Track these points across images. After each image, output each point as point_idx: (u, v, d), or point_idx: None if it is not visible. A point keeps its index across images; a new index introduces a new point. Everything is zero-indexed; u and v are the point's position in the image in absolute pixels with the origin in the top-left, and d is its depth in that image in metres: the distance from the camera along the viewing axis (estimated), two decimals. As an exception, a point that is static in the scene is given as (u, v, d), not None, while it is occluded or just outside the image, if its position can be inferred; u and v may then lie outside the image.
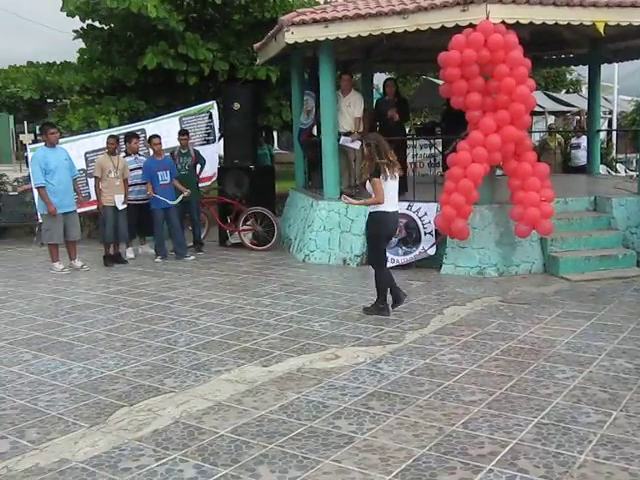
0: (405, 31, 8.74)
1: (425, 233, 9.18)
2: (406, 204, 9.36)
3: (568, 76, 28.18)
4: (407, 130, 14.24)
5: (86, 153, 11.54)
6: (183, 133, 11.03)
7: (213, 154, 12.20)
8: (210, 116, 12.25)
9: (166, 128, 11.70)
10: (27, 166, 12.68)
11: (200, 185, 11.57)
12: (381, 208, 6.87)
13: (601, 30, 8.48)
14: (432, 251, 9.13)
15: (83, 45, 15.26)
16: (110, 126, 12.73)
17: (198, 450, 4.00)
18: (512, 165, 8.46)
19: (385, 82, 11.15)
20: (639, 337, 6.03)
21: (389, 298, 7.03)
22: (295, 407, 4.62)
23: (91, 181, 11.14)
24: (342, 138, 10.08)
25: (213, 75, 13.93)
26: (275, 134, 27.19)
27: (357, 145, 10.12)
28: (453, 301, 7.50)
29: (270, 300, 7.69)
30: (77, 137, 12.06)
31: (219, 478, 3.66)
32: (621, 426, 4.21)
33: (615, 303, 7.26)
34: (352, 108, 10.25)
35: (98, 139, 11.56)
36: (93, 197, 10.80)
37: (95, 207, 10.58)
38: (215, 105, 12.35)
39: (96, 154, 11.30)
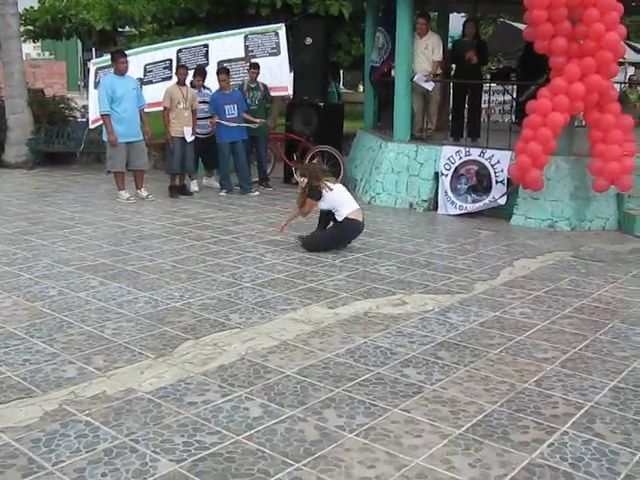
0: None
1: (497, 182, 8.88)
2: (479, 150, 9.09)
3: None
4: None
5: (146, 65, 11.59)
6: (254, 66, 10.81)
7: (281, 67, 11.66)
8: (277, 35, 11.81)
9: (229, 44, 11.56)
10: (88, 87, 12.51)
11: (275, 94, 11.41)
12: (345, 214, 7.06)
13: None
14: (502, 201, 8.86)
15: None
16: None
17: (264, 389, 3.95)
18: (594, 116, 8.08)
19: (465, 22, 10.67)
20: None
21: None
22: (362, 352, 4.53)
23: (146, 87, 11.19)
24: (417, 75, 9.72)
25: (285, 8, 13.64)
26: (341, 73, 26.75)
27: (431, 86, 9.80)
28: (523, 253, 7.28)
29: (335, 241, 7.56)
30: (140, 49, 12.03)
31: (285, 419, 3.60)
32: None
33: (695, 266, 6.95)
34: (429, 51, 9.86)
35: (158, 53, 11.65)
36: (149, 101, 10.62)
37: (155, 109, 10.62)
38: (283, 27, 11.82)
39: (155, 65, 11.37)
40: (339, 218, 7.13)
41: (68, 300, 5.45)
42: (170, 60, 11.60)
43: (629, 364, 4.45)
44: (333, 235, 7.25)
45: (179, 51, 11.49)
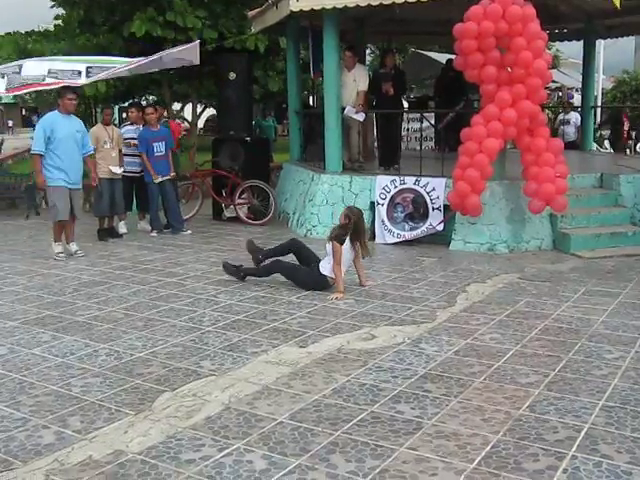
0: (418, 0, 8.48)
1: (433, 209, 9.00)
2: (413, 179, 9.18)
3: (547, 51, 28.02)
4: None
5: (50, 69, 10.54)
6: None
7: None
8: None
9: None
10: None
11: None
12: (328, 272, 6.77)
13: (617, 3, 8.32)
14: (440, 227, 8.96)
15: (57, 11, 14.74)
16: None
17: (261, 439, 3.77)
18: (526, 140, 8.31)
19: (384, 53, 10.85)
20: (673, 316, 5.96)
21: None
22: (349, 391, 4.41)
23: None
24: (347, 108, 9.79)
25: (201, 44, 13.48)
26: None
27: (361, 117, 9.89)
28: (472, 278, 7.35)
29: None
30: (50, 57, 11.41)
31: (294, 469, 3.44)
32: (689, 409, 4.10)
33: (636, 281, 7.18)
34: (356, 82, 9.96)
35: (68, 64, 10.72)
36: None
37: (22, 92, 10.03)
38: (197, 43, 11.49)
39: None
40: (323, 270, 6.81)
41: (23, 358, 5.09)
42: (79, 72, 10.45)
43: (609, 382, 4.51)
44: (307, 280, 6.91)
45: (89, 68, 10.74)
